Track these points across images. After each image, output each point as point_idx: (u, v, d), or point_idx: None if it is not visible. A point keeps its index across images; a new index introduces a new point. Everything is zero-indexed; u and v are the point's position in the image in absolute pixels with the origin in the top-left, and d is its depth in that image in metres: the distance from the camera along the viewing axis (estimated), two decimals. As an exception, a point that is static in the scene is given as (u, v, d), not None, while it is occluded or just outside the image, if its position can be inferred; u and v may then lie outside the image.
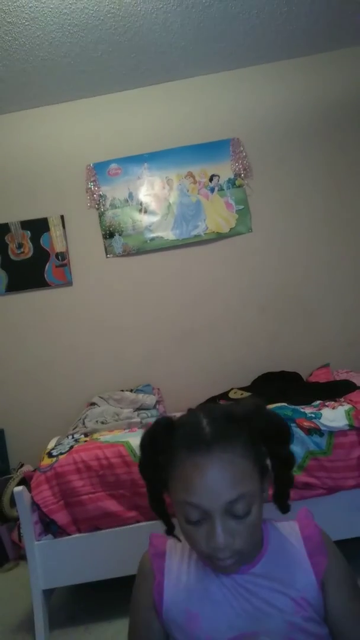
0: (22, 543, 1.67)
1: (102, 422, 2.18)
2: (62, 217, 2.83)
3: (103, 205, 2.82)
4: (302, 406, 1.82)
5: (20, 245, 2.82)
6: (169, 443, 0.73)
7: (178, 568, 0.80)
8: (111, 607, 1.75)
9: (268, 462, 0.76)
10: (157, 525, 0.85)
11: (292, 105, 2.83)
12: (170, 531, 0.82)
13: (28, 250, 2.82)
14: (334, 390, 2.02)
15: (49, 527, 1.65)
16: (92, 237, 2.83)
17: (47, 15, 2.18)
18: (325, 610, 0.76)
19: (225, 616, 0.74)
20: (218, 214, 2.80)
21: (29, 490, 1.67)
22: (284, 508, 0.79)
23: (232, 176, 2.81)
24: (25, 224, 2.83)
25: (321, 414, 1.69)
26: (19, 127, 2.87)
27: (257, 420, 0.72)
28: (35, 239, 2.82)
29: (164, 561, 0.82)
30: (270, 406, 1.81)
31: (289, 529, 0.81)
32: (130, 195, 2.83)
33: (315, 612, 0.75)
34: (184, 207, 2.81)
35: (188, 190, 2.82)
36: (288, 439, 0.77)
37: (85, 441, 1.85)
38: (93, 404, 2.51)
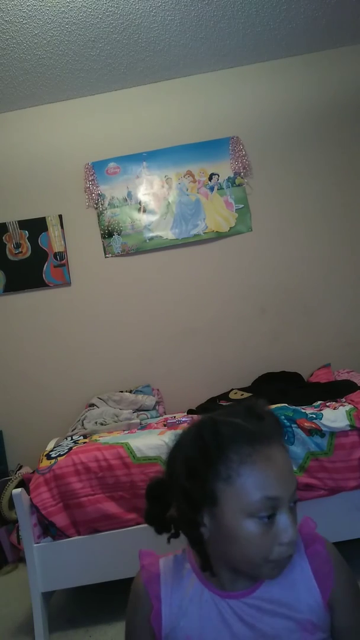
0: (21, 545, 1.66)
1: (102, 424, 2.17)
2: (60, 216, 2.82)
3: (102, 204, 2.81)
4: (303, 406, 1.82)
5: (18, 245, 2.80)
6: (221, 448, 0.68)
7: (175, 592, 0.75)
8: (111, 609, 1.74)
9: None
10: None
11: (292, 103, 2.82)
12: (176, 535, 0.77)
13: (26, 250, 2.80)
14: (335, 391, 2.01)
15: (48, 529, 1.65)
16: (90, 237, 2.81)
17: (45, 13, 2.16)
18: (332, 629, 0.72)
19: None
20: (218, 213, 2.79)
21: (28, 492, 1.66)
22: None
23: (231, 175, 2.80)
24: (23, 224, 2.81)
25: (322, 415, 1.68)
26: (16, 126, 2.86)
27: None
28: (33, 239, 2.80)
29: (159, 586, 0.76)
30: (271, 407, 1.80)
31: None
32: (129, 195, 2.81)
33: (322, 633, 0.72)
34: (183, 206, 2.80)
35: (187, 189, 2.80)
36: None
37: (85, 442, 1.84)
38: (92, 405, 2.49)
